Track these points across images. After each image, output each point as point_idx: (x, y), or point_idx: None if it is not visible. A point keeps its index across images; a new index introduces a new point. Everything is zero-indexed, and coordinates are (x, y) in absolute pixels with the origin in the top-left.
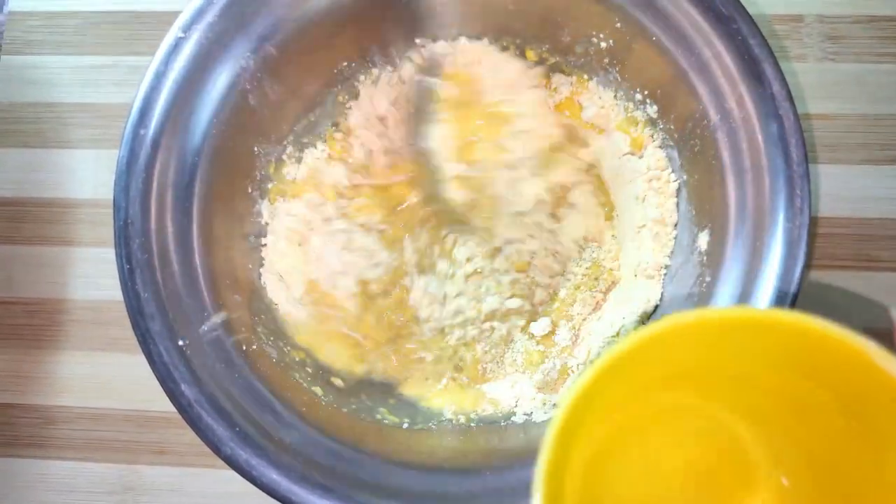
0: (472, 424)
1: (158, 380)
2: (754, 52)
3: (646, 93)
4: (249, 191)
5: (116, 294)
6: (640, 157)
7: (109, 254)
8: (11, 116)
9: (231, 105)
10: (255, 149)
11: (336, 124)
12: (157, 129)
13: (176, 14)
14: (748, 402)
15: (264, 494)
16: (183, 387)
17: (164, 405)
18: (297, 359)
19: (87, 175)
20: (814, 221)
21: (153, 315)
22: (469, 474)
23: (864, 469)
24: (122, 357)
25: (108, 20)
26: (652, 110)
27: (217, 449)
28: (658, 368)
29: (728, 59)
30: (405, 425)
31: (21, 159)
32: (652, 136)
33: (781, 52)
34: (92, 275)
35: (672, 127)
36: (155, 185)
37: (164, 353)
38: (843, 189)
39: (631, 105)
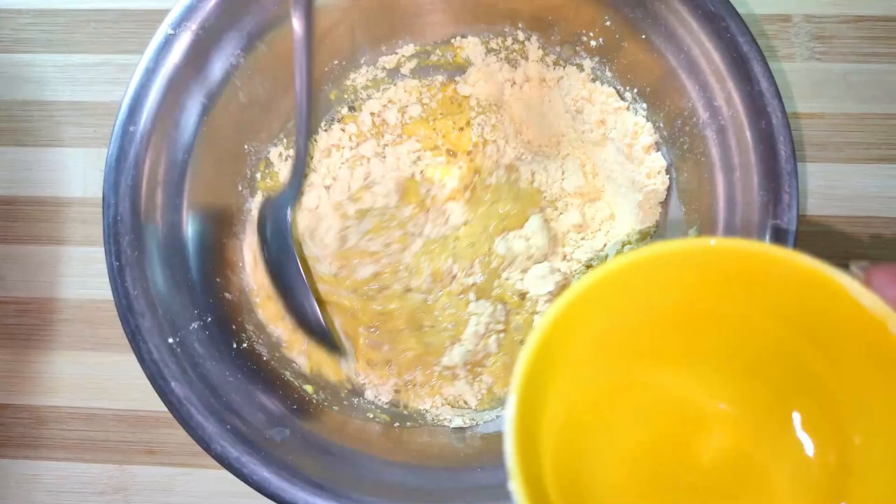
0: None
1: (148, 377)
2: (743, 50)
3: (635, 91)
4: (239, 188)
5: (108, 293)
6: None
7: (101, 253)
8: (2, 115)
9: (222, 102)
10: (246, 146)
11: (352, 108)
12: (146, 126)
13: (165, 12)
14: (697, 344)
15: (255, 493)
16: (173, 384)
17: (156, 405)
18: (287, 356)
19: (78, 173)
20: (801, 219)
21: (143, 312)
22: (461, 471)
23: (816, 394)
24: (113, 357)
25: (98, 18)
26: (641, 108)
27: (207, 446)
28: (612, 319)
29: (717, 57)
30: (396, 424)
31: (11, 158)
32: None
33: (769, 52)
34: (83, 274)
35: (662, 125)
36: (144, 181)
37: (153, 350)
38: (829, 187)
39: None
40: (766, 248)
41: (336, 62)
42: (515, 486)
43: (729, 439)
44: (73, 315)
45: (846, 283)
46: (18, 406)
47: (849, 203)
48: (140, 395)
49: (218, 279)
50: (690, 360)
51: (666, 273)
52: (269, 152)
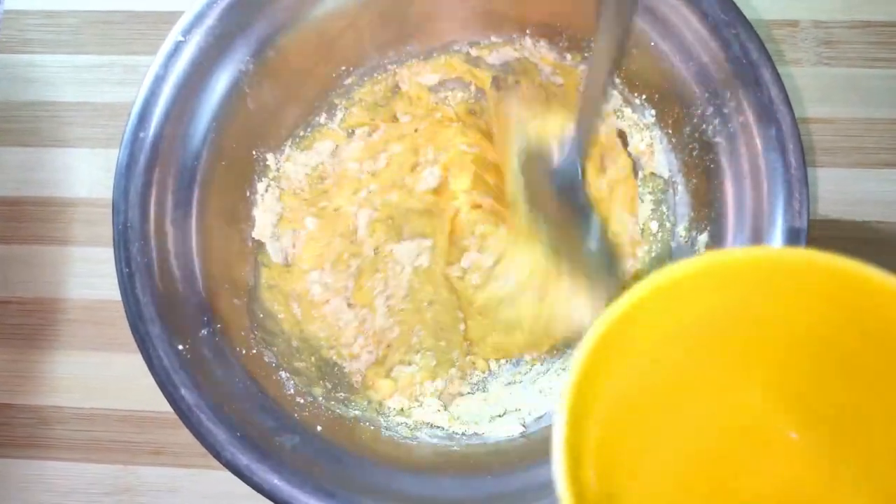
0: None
1: (158, 384)
2: (752, 56)
3: (644, 97)
4: (248, 194)
5: (112, 294)
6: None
7: (105, 253)
8: (8, 115)
9: (230, 109)
10: (254, 153)
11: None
12: (156, 132)
13: (173, 14)
14: (760, 359)
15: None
16: (183, 391)
17: (161, 405)
18: (294, 364)
19: (84, 174)
20: (810, 224)
21: (153, 319)
22: (472, 478)
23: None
24: (118, 357)
25: (106, 19)
26: (650, 114)
27: (218, 454)
28: (670, 325)
29: (726, 63)
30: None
31: (18, 158)
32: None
33: (777, 57)
34: (88, 274)
35: (670, 131)
36: (154, 188)
37: (163, 357)
38: (837, 192)
39: (629, 109)
40: (837, 261)
41: (343, 68)
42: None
43: (787, 469)
44: (78, 315)
45: None
46: (22, 406)
47: (858, 208)
48: (145, 396)
49: (226, 285)
50: (749, 376)
51: (726, 283)
52: (276, 158)
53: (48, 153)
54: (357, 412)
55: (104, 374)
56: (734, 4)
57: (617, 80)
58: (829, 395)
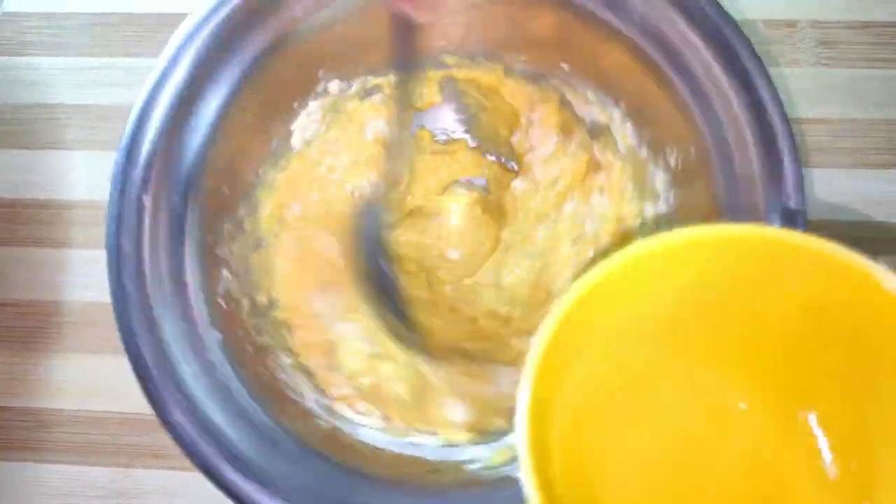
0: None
1: (123, 340)
2: (773, 120)
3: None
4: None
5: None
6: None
7: (103, 256)
8: (6, 118)
9: (250, 84)
10: (269, 127)
11: None
12: (172, 102)
13: (172, 16)
14: (718, 338)
15: None
16: (143, 349)
17: None
18: (243, 264)
19: (82, 177)
20: (807, 224)
21: (130, 269)
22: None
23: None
24: (115, 359)
25: (104, 21)
26: (665, 167)
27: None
28: (636, 305)
29: (743, 124)
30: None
31: (15, 161)
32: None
33: (775, 58)
34: (86, 277)
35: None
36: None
37: (134, 320)
38: (834, 193)
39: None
40: (795, 237)
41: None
42: (530, 493)
43: (747, 442)
44: (76, 318)
45: (881, 274)
46: (20, 409)
47: (855, 209)
48: (144, 399)
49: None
50: (712, 355)
51: (685, 261)
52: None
53: (46, 155)
54: (267, 339)
55: (102, 376)
56: (763, 69)
57: (630, 121)
58: (773, 363)
